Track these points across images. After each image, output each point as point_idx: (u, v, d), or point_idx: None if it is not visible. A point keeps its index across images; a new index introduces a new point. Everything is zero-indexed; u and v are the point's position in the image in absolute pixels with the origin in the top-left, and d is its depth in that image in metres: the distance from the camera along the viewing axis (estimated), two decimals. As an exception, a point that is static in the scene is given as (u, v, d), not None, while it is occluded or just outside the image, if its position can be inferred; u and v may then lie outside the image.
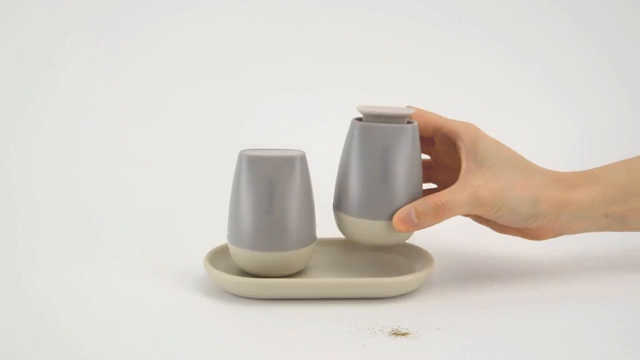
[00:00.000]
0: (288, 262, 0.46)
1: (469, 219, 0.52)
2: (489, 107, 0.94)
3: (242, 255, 0.46)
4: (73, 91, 0.86)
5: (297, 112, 0.90)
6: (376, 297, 0.46)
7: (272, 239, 0.45)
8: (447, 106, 0.88)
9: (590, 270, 0.53)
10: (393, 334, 0.40)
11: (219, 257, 0.49)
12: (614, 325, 0.42)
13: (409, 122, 0.47)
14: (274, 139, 0.84)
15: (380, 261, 0.53)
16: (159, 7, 0.90)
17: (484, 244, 0.59)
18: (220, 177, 0.59)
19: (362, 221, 0.46)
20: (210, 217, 0.57)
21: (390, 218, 0.45)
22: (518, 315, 0.44)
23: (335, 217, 0.49)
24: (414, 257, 0.51)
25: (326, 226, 0.50)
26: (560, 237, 0.50)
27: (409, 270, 0.49)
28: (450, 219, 0.45)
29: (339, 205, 0.48)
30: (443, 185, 0.53)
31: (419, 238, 0.51)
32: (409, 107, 0.49)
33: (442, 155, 0.51)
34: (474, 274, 0.52)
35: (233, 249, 0.47)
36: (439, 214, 0.45)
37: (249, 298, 0.45)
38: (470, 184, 0.45)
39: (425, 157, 0.53)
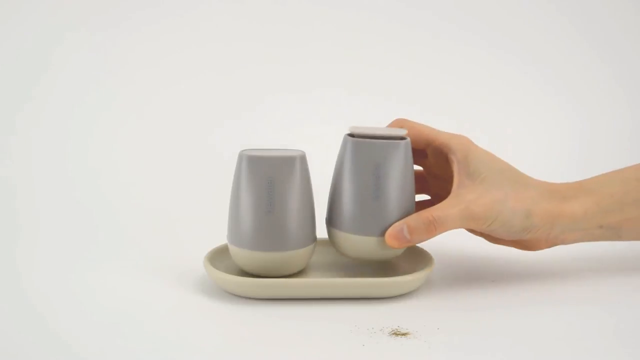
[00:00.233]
0: (288, 262, 0.46)
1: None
2: (488, 112, 0.94)
3: (242, 255, 0.46)
4: (73, 91, 0.86)
5: (297, 113, 0.90)
6: (376, 297, 0.46)
7: (272, 239, 0.45)
8: (446, 107, 0.88)
9: (590, 271, 0.53)
10: (393, 334, 0.40)
11: (219, 257, 0.49)
12: (614, 326, 0.42)
13: (401, 138, 0.47)
14: (274, 139, 0.84)
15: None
16: (161, 8, 0.90)
17: (484, 244, 0.58)
18: (220, 177, 0.59)
19: (354, 237, 0.46)
20: (210, 217, 0.57)
21: (383, 234, 0.45)
22: (518, 315, 0.44)
23: (328, 232, 0.49)
24: (414, 257, 0.51)
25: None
26: None
27: (409, 270, 0.48)
28: None
29: (331, 220, 0.48)
30: (437, 196, 0.53)
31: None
32: (402, 119, 0.49)
33: (435, 167, 0.51)
34: (474, 274, 0.52)
35: (233, 249, 0.47)
36: (431, 230, 0.45)
37: (249, 298, 0.45)
38: (462, 198, 0.45)
39: (418, 167, 0.53)
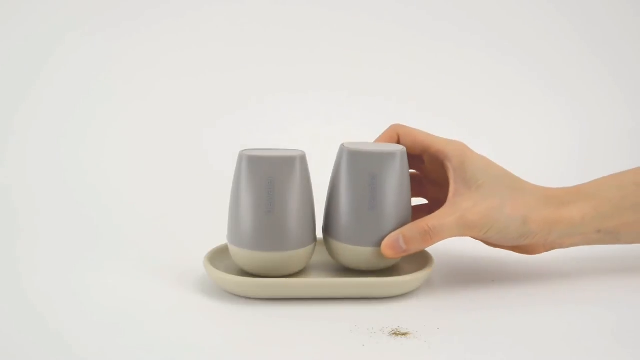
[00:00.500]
0: (288, 262, 0.46)
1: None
2: (487, 113, 0.94)
3: (242, 255, 0.46)
4: (73, 91, 0.86)
5: (297, 113, 0.90)
6: (376, 297, 0.46)
7: (272, 239, 0.45)
8: (446, 108, 0.88)
9: (590, 271, 0.53)
10: (393, 334, 0.40)
11: (219, 257, 0.49)
12: (614, 325, 0.42)
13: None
14: (274, 139, 0.84)
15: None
16: (163, 8, 0.90)
17: (484, 244, 0.59)
18: (220, 177, 0.59)
19: (350, 247, 0.46)
20: (210, 217, 0.57)
21: (379, 244, 0.45)
22: (518, 315, 0.44)
23: (325, 241, 0.49)
24: (414, 257, 0.51)
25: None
26: None
27: (409, 270, 0.48)
28: None
29: (328, 230, 0.48)
30: (434, 200, 0.53)
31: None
32: (398, 125, 0.49)
33: (432, 173, 0.52)
34: (474, 274, 0.52)
35: (233, 249, 0.47)
36: (427, 239, 0.45)
37: (249, 298, 0.45)
38: (458, 207, 0.45)
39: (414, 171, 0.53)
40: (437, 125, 0.50)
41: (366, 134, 0.62)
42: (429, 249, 0.52)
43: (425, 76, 0.94)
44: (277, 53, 0.92)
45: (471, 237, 0.46)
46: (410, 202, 0.48)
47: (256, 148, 0.48)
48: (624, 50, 0.98)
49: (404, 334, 0.40)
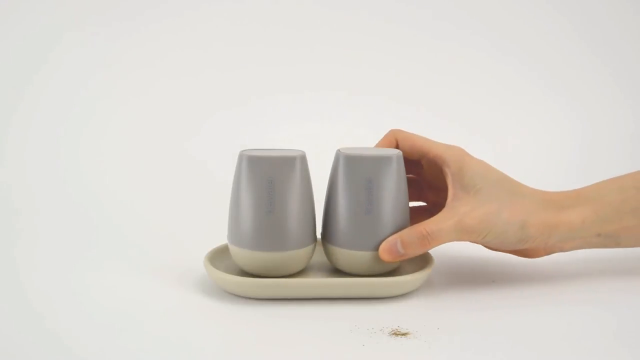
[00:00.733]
0: (288, 262, 0.46)
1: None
2: (488, 114, 0.94)
3: (242, 255, 0.46)
4: (73, 91, 0.86)
5: (297, 113, 0.90)
6: (376, 297, 0.46)
7: (273, 239, 0.45)
8: (447, 109, 0.88)
9: (590, 272, 0.53)
10: (393, 334, 0.40)
11: (219, 257, 0.49)
12: (614, 326, 0.42)
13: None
14: (274, 139, 0.84)
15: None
16: (164, 8, 0.90)
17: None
18: (220, 177, 0.59)
19: (348, 252, 0.46)
20: (210, 217, 0.57)
21: (377, 249, 0.45)
22: (518, 315, 0.44)
23: (322, 246, 0.49)
24: (414, 258, 0.51)
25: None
26: None
27: (409, 270, 0.48)
28: None
29: (325, 235, 0.48)
30: (434, 203, 0.53)
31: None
32: (396, 130, 0.49)
33: (430, 178, 0.52)
34: (474, 274, 0.52)
35: (233, 249, 0.47)
36: (425, 244, 0.45)
37: (249, 298, 0.45)
38: (456, 211, 0.45)
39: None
40: (437, 126, 0.50)
41: (366, 134, 0.62)
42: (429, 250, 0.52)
43: (425, 76, 0.94)
44: (277, 54, 0.92)
45: (469, 241, 0.46)
46: (407, 206, 0.48)
47: (256, 148, 0.48)
48: (625, 51, 0.98)
49: (404, 334, 0.40)
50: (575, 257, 0.55)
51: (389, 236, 0.45)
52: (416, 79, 0.94)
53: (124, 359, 0.36)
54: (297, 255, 0.46)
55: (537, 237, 0.46)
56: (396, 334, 0.40)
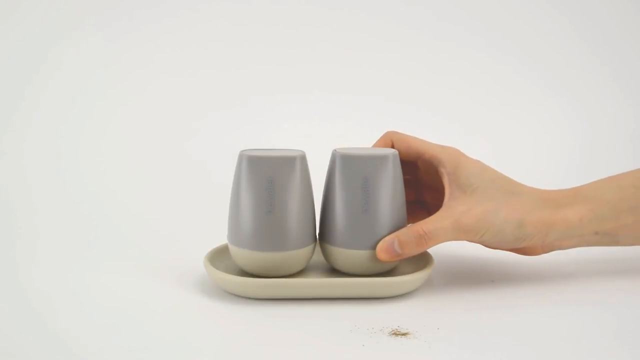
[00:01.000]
0: (288, 262, 0.46)
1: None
2: (488, 114, 0.94)
3: (243, 256, 0.46)
4: (72, 90, 0.86)
5: (297, 113, 0.90)
6: (376, 297, 0.46)
7: (273, 239, 0.45)
8: (446, 109, 0.88)
9: (590, 271, 0.53)
10: (393, 334, 0.40)
11: (219, 257, 0.49)
12: (614, 325, 0.42)
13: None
14: (273, 139, 0.84)
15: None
16: (164, 8, 0.90)
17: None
18: (220, 177, 0.59)
19: (345, 251, 0.46)
20: (210, 217, 0.57)
21: (374, 248, 0.45)
22: (518, 315, 0.44)
23: (320, 246, 0.49)
24: (414, 257, 0.51)
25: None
26: None
27: (409, 270, 0.48)
28: None
29: (323, 235, 0.48)
30: (431, 204, 0.53)
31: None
32: (392, 132, 0.49)
33: (427, 178, 0.52)
34: (474, 274, 0.52)
35: (233, 249, 0.47)
36: (422, 243, 0.45)
37: (249, 298, 0.45)
38: (453, 211, 0.45)
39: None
40: (436, 126, 0.50)
41: (366, 134, 0.62)
42: (429, 249, 0.52)
43: (425, 76, 0.94)
44: (277, 54, 0.92)
45: (467, 240, 0.46)
46: (404, 204, 0.48)
47: (256, 148, 0.48)
48: (625, 50, 0.98)
49: (404, 334, 0.40)
50: (575, 257, 0.55)
51: (386, 235, 0.45)
52: (416, 79, 0.94)
53: (124, 359, 0.36)
54: (297, 255, 0.46)
55: (535, 236, 0.46)
56: (396, 334, 0.40)
